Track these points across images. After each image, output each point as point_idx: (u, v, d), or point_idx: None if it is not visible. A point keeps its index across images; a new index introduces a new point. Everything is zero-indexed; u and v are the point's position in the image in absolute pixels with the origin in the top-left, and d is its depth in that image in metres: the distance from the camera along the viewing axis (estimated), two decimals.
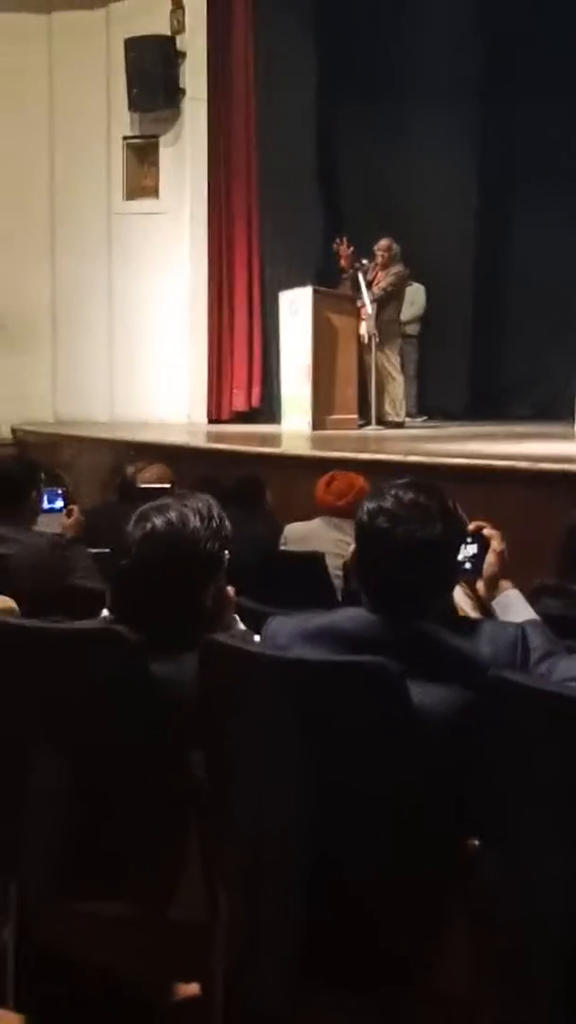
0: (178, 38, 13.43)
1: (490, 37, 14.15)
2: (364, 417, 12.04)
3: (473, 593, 3.36)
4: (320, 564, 5.64)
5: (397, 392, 12.32)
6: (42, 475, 5.86)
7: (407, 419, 12.64)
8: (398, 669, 2.57)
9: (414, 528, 2.77)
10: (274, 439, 11.23)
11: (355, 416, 11.99)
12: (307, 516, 6.60)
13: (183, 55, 13.44)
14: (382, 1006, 2.86)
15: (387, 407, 12.19)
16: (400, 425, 12.23)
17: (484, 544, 3.30)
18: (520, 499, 7.09)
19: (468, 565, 3.25)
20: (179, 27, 13.42)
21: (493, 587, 3.30)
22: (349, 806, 2.66)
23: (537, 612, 3.28)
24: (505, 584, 3.31)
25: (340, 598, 5.03)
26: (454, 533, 2.88)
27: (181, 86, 13.52)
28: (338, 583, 5.54)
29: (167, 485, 5.74)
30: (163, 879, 2.97)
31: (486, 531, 3.32)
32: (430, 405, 14.23)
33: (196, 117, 13.59)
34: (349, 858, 2.66)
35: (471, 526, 3.24)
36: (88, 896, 3.11)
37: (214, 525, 3.05)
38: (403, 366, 12.78)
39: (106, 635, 2.98)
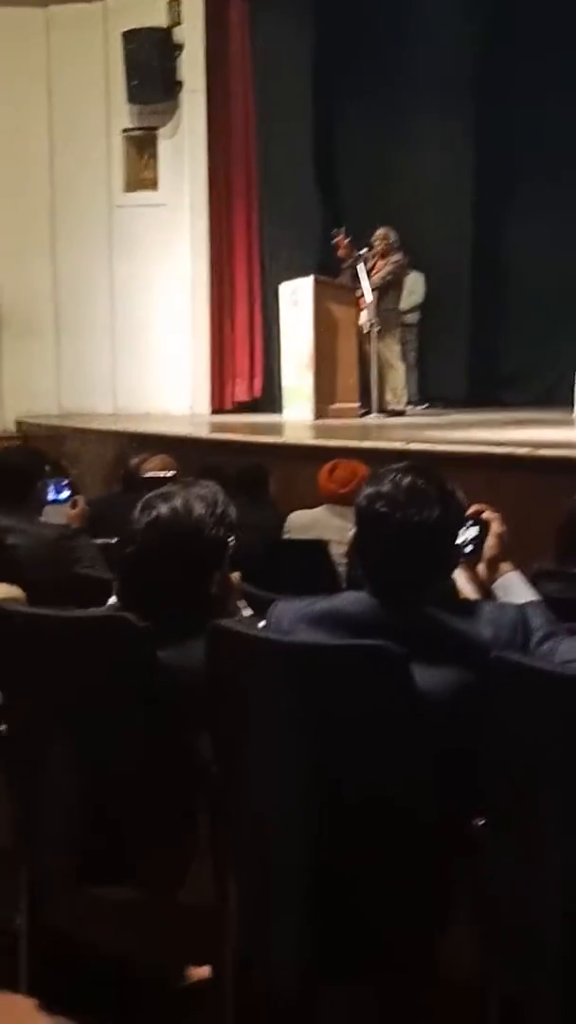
0: (175, 30, 13.44)
1: (488, 25, 14.12)
2: (365, 406, 12.06)
3: (474, 576, 3.39)
4: (324, 552, 5.67)
5: (398, 380, 12.33)
6: (47, 466, 5.89)
7: (408, 407, 12.64)
8: (401, 652, 2.59)
9: (412, 512, 2.80)
10: (276, 429, 11.26)
11: (356, 405, 12.01)
12: (310, 505, 6.63)
13: (180, 47, 13.44)
14: (392, 989, 2.89)
15: (388, 395, 12.21)
16: (401, 413, 12.24)
17: (484, 527, 3.32)
18: (520, 485, 7.12)
19: (469, 548, 3.27)
20: (176, 19, 13.42)
21: (494, 569, 3.32)
22: (355, 788, 2.69)
23: (538, 595, 3.31)
24: (506, 566, 3.33)
25: (344, 585, 5.05)
26: (453, 516, 2.90)
27: (179, 78, 13.51)
28: (342, 570, 5.57)
29: (172, 473, 5.77)
30: (173, 863, 3.00)
31: (486, 514, 3.34)
32: (431, 393, 14.23)
33: (195, 109, 13.59)
34: (355, 840, 2.69)
35: (471, 509, 3.26)
36: (99, 881, 3.14)
37: (219, 512, 3.07)
38: (403, 354, 12.78)
39: (113, 622, 3.01)
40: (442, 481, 2.90)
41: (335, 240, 12.12)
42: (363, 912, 2.71)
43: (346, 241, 12.03)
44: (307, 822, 2.71)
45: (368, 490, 2.89)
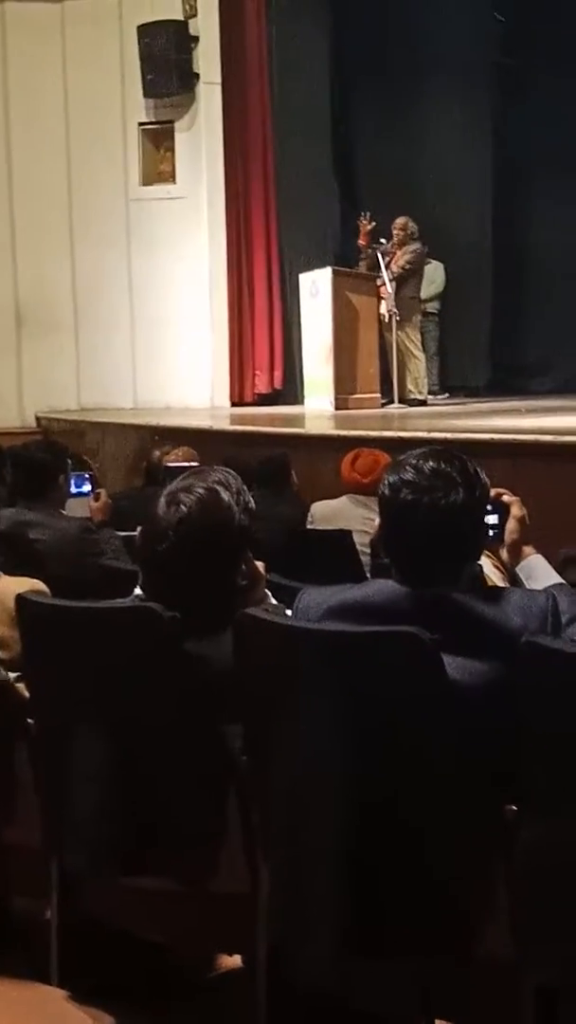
0: (191, 22, 13.38)
1: (506, 14, 14.10)
2: (386, 396, 12.06)
3: (499, 562, 3.36)
4: (348, 541, 5.68)
5: (419, 370, 12.32)
6: (69, 460, 5.90)
7: (429, 397, 12.64)
8: (430, 638, 2.57)
9: (438, 496, 2.75)
10: (298, 420, 11.26)
11: (377, 395, 12.02)
12: (332, 495, 6.63)
13: (196, 40, 13.40)
14: (426, 974, 2.88)
15: (409, 385, 12.20)
16: (423, 403, 12.24)
17: (504, 511, 3.29)
18: (545, 473, 7.10)
19: (490, 533, 3.24)
20: (191, 11, 13.36)
21: (517, 553, 3.29)
22: (387, 776, 2.67)
23: (566, 582, 3.28)
24: (528, 550, 3.29)
25: (369, 575, 5.05)
26: (479, 497, 2.85)
27: (195, 71, 13.48)
28: (366, 560, 5.58)
29: (195, 464, 5.76)
30: (204, 853, 2.99)
31: (505, 498, 3.30)
32: (452, 382, 14.23)
33: (211, 101, 13.56)
34: (389, 827, 2.68)
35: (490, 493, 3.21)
36: (130, 871, 3.13)
37: (242, 499, 3.04)
38: (424, 344, 12.78)
39: (140, 612, 3.00)
40: (464, 462, 2.85)
41: (359, 224, 12.11)
42: (395, 899, 2.70)
43: (369, 226, 12.03)
44: (340, 808, 2.70)
45: (390, 478, 2.84)
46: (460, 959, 2.74)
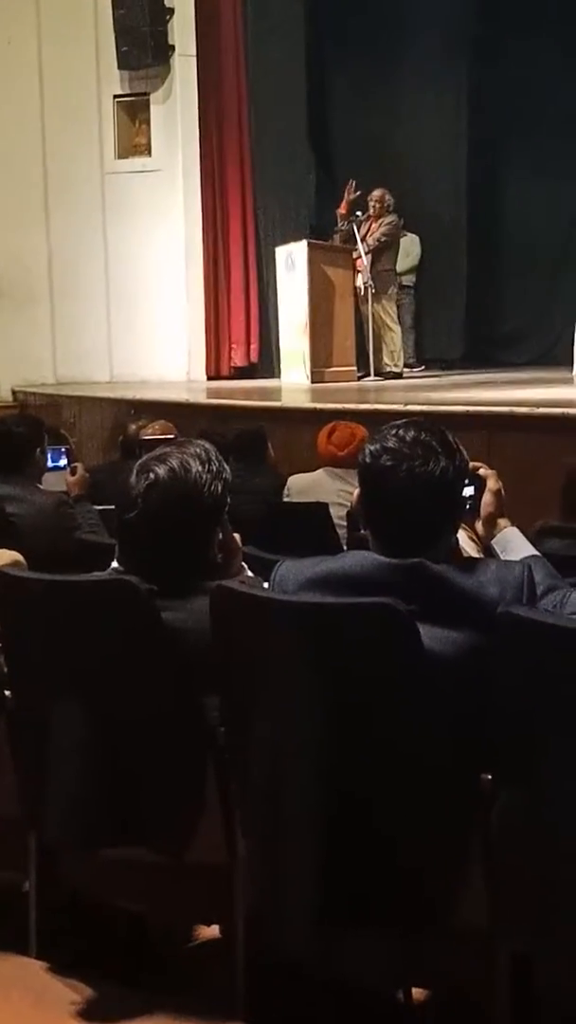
0: None
1: None
2: (362, 369, 12.06)
3: (474, 534, 3.38)
4: (324, 514, 5.69)
5: (395, 343, 12.33)
6: (46, 434, 5.90)
7: (405, 369, 12.64)
8: (406, 609, 2.58)
9: (417, 464, 2.77)
10: (274, 393, 11.25)
11: (353, 368, 12.01)
12: (309, 468, 6.63)
13: (171, 11, 13.33)
14: (402, 944, 2.90)
15: (385, 358, 12.21)
16: (398, 375, 12.24)
17: (480, 484, 3.31)
18: (521, 444, 7.12)
19: (466, 506, 3.26)
20: None
21: (492, 526, 3.30)
22: (365, 746, 2.68)
23: (541, 553, 3.30)
24: (503, 523, 3.31)
25: (345, 547, 5.06)
26: (458, 467, 2.87)
27: (170, 42, 13.42)
28: (342, 532, 5.59)
29: (171, 436, 5.77)
30: (182, 823, 3.00)
31: (481, 471, 3.32)
32: (428, 355, 14.23)
33: (186, 73, 13.51)
34: (366, 798, 2.69)
35: None
36: (108, 843, 3.14)
37: (214, 468, 3.06)
38: (400, 317, 12.78)
39: (116, 585, 3.01)
40: (444, 434, 2.88)
41: (344, 191, 12.04)
42: (376, 868, 2.71)
43: (354, 196, 11.98)
44: (316, 779, 2.71)
45: (371, 447, 2.86)
46: (436, 928, 2.76)
